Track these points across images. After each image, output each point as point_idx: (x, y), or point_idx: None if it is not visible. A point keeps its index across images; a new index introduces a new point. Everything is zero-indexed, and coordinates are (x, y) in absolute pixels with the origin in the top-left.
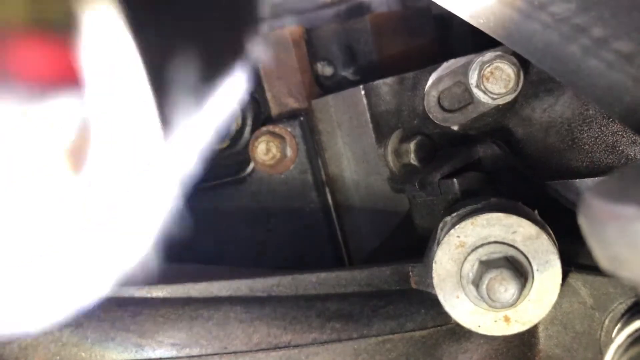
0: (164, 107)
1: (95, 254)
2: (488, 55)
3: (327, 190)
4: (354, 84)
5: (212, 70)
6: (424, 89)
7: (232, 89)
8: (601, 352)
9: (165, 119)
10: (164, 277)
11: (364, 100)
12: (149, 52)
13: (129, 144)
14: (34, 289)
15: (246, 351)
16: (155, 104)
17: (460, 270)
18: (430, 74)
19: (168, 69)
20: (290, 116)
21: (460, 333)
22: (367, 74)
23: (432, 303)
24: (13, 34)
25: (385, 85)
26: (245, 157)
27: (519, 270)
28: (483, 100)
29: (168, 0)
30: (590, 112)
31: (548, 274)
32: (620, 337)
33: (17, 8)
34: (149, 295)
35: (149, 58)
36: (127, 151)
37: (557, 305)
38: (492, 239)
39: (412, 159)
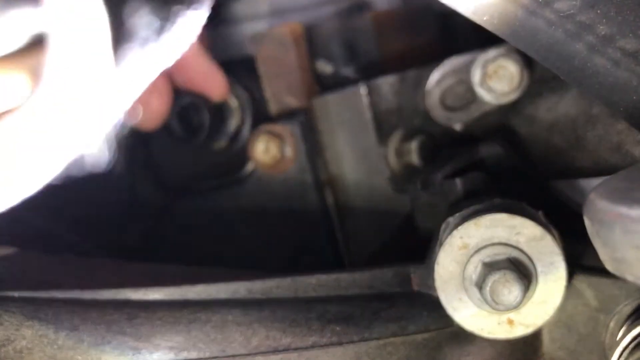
0: (116, 14)
1: (47, 139)
2: (491, 52)
3: (327, 190)
4: (354, 82)
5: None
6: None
7: (190, 25)
8: (606, 355)
9: (118, 25)
10: (161, 279)
11: (365, 99)
12: None
13: (82, 48)
14: None
15: (245, 354)
16: (107, 12)
17: (463, 272)
18: (432, 71)
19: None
20: (289, 115)
21: (462, 336)
22: (368, 72)
23: (434, 305)
24: None
25: (386, 83)
26: (244, 157)
27: (522, 272)
28: (486, 99)
29: None
30: (595, 111)
31: (552, 275)
32: (626, 339)
33: None
34: (145, 298)
35: None
36: (80, 57)
37: (562, 307)
38: (496, 240)
39: (414, 159)
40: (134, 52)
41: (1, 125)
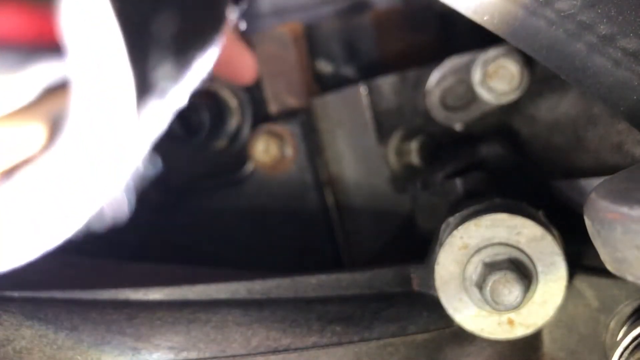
0: (140, 69)
1: (66, 193)
2: (492, 52)
3: (327, 190)
4: (354, 82)
5: (189, 38)
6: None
7: (207, 59)
8: (606, 355)
9: (141, 79)
10: (161, 279)
11: (365, 99)
12: (128, 18)
13: (105, 102)
14: (7, 227)
15: (245, 355)
16: (131, 67)
17: (464, 272)
18: (432, 71)
19: (145, 34)
20: (290, 115)
21: (463, 336)
22: (369, 72)
23: (435, 306)
24: None
25: (386, 83)
26: (244, 157)
27: (523, 272)
28: (486, 98)
29: None
30: (596, 111)
31: (553, 276)
32: (626, 340)
33: None
34: (145, 298)
35: (127, 23)
36: (104, 111)
37: (562, 307)
38: (496, 240)
39: (414, 159)
40: (153, 102)
41: (19, 176)
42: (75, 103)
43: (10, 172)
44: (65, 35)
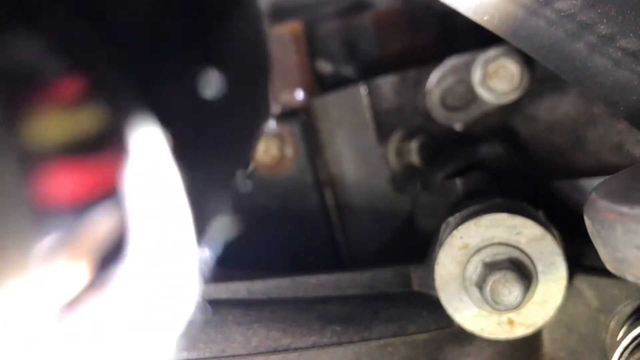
0: (199, 220)
1: (135, 336)
2: (492, 52)
3: (327, 190)
4: (354, 82)
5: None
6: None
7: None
8: (606, 355)
9: (200, 231)
10: None
11: (365, 99)
12: (190, 175)
13: (165, 252)
14: None
15: (245, 355)
16: (192, 219)
17: (463, 272)
18: (432, 71)
19: (205, 189)
20: (290, 115)
21: (463, 336)
22: (368, 72)
23: (435, 305)
24: (51, 161)
25: (386, 83)
26: None
27: (523, 272)
28: (486, 98)
29: (205, 128)
30: (596, 110)
31: (553, 275)
32: (626, 340)
33: (53, 132)
34: None
35: (189, 179)
36: (163, 258)
37: (562, 307)
38: (496, 240)
39: (414, 159)
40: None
41: (66, 318)
42: (133, 253)
43: (57, 312)
44: (126, 187)
